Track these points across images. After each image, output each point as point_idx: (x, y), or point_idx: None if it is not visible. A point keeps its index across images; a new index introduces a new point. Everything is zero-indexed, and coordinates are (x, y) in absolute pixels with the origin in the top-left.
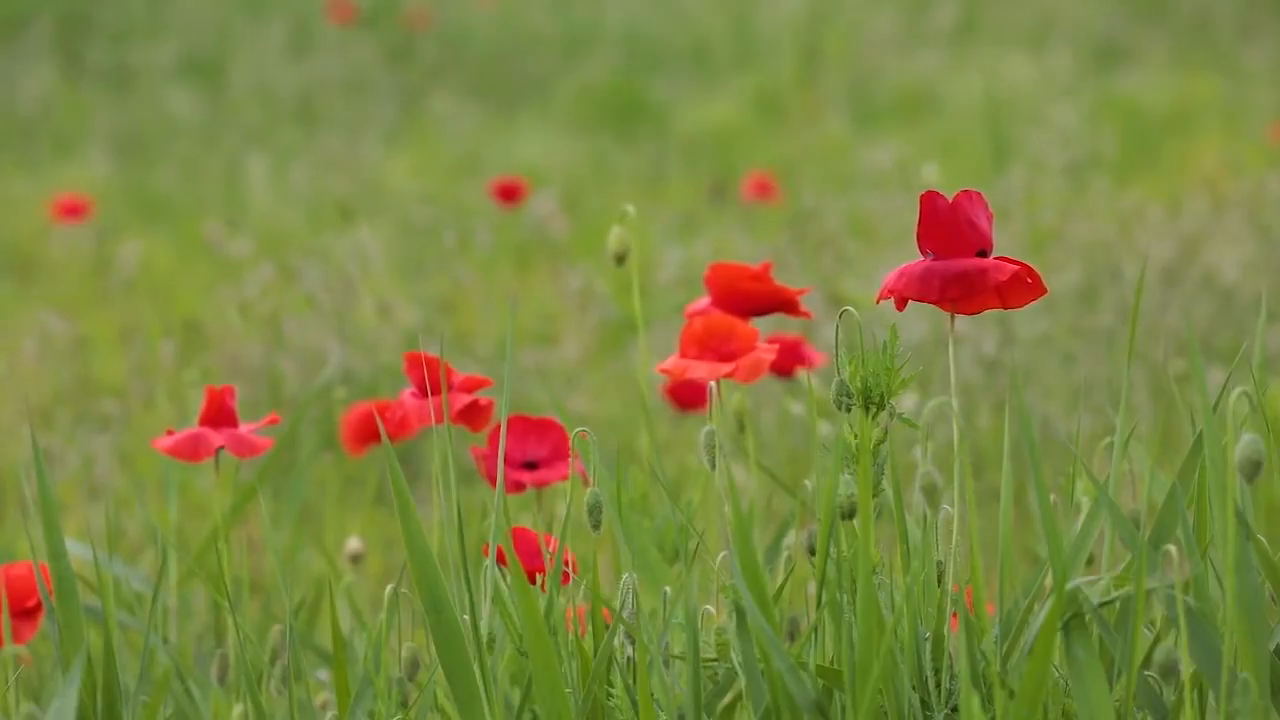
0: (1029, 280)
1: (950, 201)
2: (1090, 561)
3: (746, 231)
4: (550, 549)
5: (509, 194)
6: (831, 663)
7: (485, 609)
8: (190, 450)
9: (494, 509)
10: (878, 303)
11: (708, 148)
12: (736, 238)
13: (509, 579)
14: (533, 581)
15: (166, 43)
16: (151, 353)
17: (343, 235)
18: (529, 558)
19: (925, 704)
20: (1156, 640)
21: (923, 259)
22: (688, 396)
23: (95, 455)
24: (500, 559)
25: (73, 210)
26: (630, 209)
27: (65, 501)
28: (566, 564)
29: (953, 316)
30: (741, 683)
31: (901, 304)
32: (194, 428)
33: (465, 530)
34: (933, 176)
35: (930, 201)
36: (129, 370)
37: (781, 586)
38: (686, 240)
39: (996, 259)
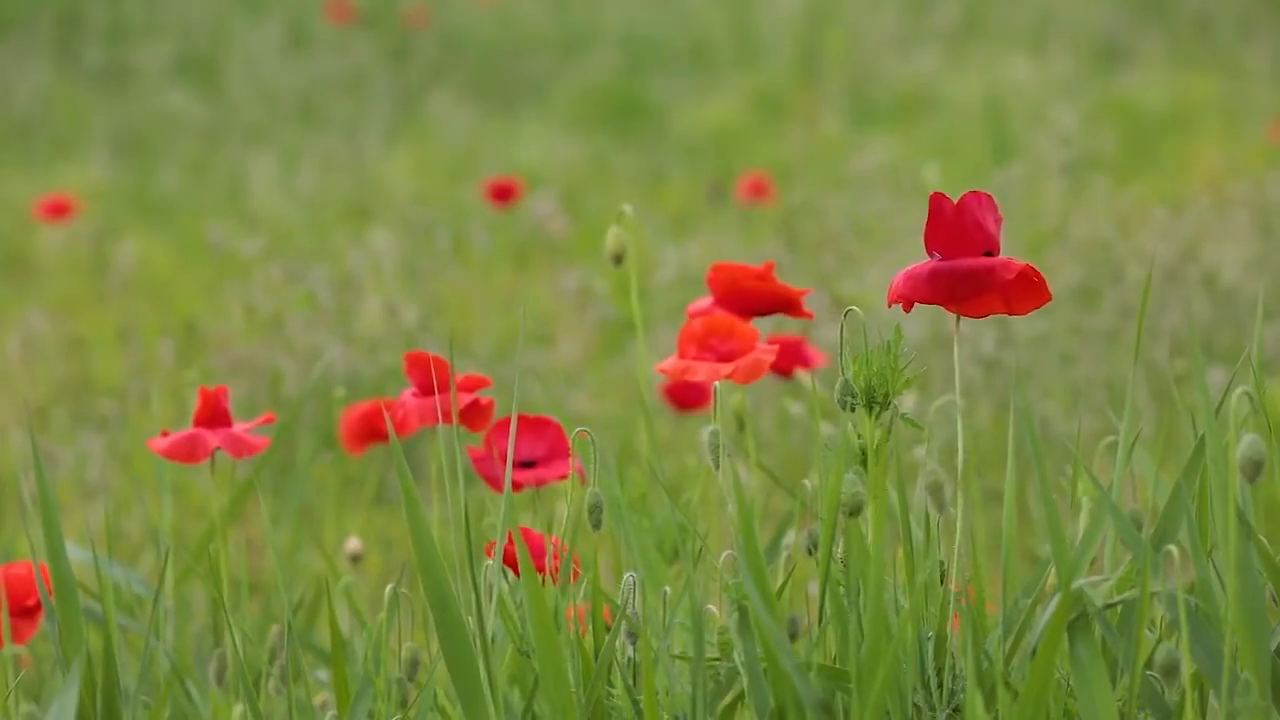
0: (1034, 280)
1: (958, 203)
2: (1092, 562)
3: (744, 232)
4: (551, 549)
5: (502, 194)
6: (834, 662)
7: (488, 608)
8: (187, 451)
9: (494, 508)
10: (890, 306)
11: (707, 148)
12: (734, 238)
13: (509, 578)
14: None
15: (163, 42)
16: (149, 353)
17: (353, 237)
18: (533, 557)
19: (929, 703)
20: (1159, 641)
21: (929, 260)
22: (687, 396)
23: (93, 455)
24: (505, 558)
25: (59, 210)
26: (628, 209)
27: (63, 502)
28: (574, 563)
29: (957, 317)
30: (743, 682)
31: (908, 305)
32: (189, 429)
33: (470, 530)
34: (934, 176)
35: (938, 203)
36: (127, 370)
37: (783, 587)
38: (685, 240)
39: (1003, 259)
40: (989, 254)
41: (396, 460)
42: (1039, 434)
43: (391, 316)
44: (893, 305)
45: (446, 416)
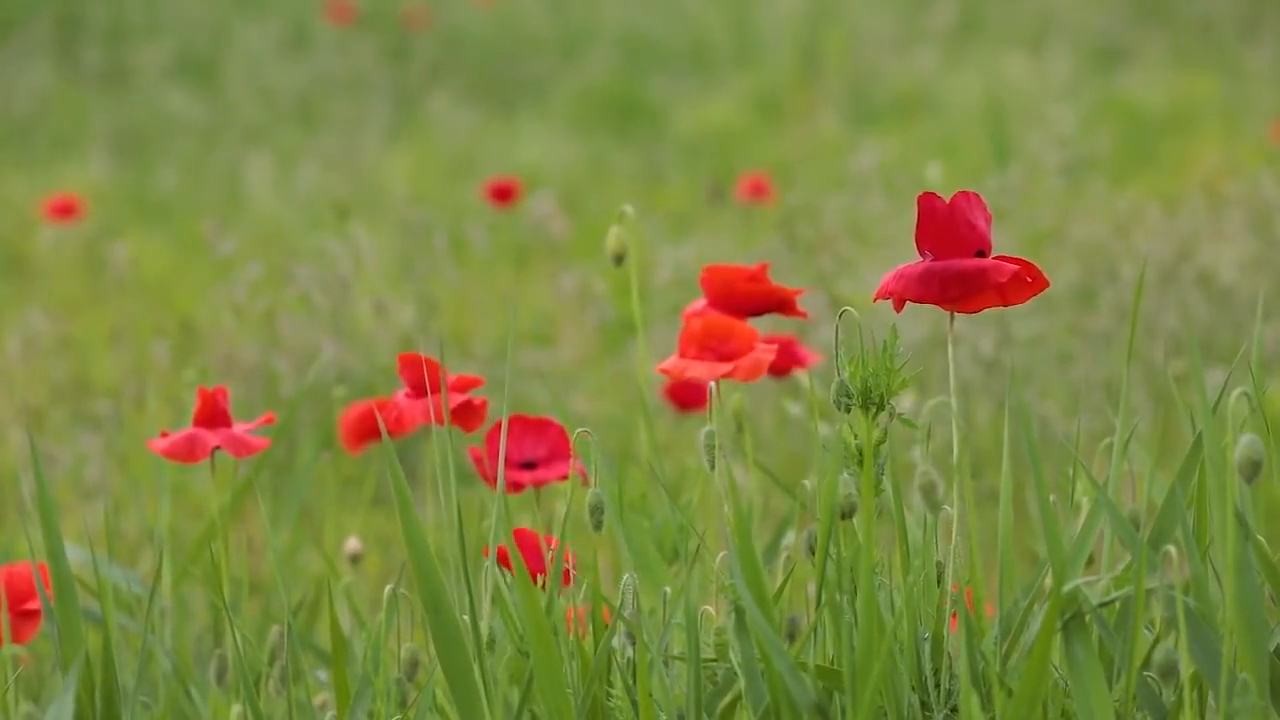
0: (1029, 279)
1: (948, 203)
2: (1090, 562)
3: (744, 232)
4: (551, 549)
5: (502, 194)
6: (831, 663)
7: (485, 609)
8: (186, 452)
9: (493, 509)
10: (875, 301)
11: (707, 148)
12: (733, 238)
13: (509, 579)
14: (534, 581)
15: (163, 42)
16: (146, 353)
17: (338, 234)
18: (530, 558)
19: (925, 704)
20: (1156, 641)
21: (921, 260)
22: (687, 396)
23: (91, 456)
24: (502, 558)
25: (64, 210)
26: (628, 209)
27: (61, 502)
28: (567, 563)
29: (952, 317)
30: (741, 683)
31: (900, 304)
32: (189, 429)
33: (464, 530)
34: (936, 176)
35: (927, 202)
36: (124, 370)
37: (782, 587)
38: (684, 241)
39: (996, 259)
40: (981, 253)
41: (389, 462)
42: (1037, 434)
43: (382, 315)
44: (878, 300)
45: (439, 417)
